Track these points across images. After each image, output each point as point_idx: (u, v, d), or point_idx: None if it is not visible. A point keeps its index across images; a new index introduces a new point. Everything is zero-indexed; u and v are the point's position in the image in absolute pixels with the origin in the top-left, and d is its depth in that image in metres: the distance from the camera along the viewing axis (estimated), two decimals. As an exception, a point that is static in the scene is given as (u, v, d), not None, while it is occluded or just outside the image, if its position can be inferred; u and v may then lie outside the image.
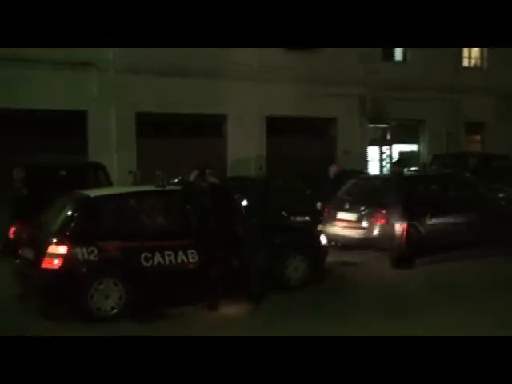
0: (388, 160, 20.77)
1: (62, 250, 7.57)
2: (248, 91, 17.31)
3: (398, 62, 20.88)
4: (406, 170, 12.60)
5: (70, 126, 15.45)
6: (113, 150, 15.75)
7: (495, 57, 21.96)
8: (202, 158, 15.54)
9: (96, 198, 8.17)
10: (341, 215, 11.92)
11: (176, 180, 9.08)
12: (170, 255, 8.06)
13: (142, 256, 7.88)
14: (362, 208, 11.64)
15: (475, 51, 22.78)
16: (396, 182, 11.16)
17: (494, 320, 7.30)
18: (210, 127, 17.46)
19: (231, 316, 7.94)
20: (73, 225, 7.81)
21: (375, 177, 13.94)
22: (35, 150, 13.23)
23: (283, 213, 12.39)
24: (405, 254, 10.53)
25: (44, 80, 14.52)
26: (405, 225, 10.43)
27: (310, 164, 17.07)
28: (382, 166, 20.79)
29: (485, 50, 22.64)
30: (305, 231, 10.01)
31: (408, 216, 10.49)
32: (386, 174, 13.13)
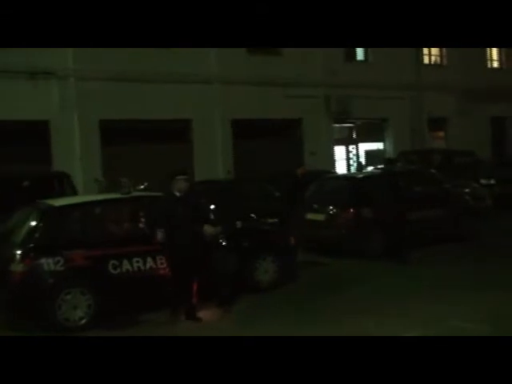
0: (355, 159, 20.94)
1: (27, 261, 7.44)
2: (211, 95, 17.32)
3: (360, 61, 21.08)
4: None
5: (33, 135, 15.17)
6: (77, 159, 15.53)
7: (454, 53, 22.32)
8: (167, 165, 15.55)
9: (60, 207, 8.03)
10: (309, 216, 11.95)
11: (142, 186, 8.97)
12: (138, 262, 7.99)
13: (110, 264, 7.80)
14: (331, 208, 11.69)
15: (435, 48, 23.13)
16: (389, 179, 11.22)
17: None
18: (175, 132, 17.34)
19: (203, 320, 7.87)
20: (37, 235, 7.67)
21: (342, 176, 14.02)
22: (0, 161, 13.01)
23: (252, 215, 12.38)
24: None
25: (4, 90, 14.26)
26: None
27: (278, 166, 17.11)
28: (348, 165, 20.95)
29: (444, 46, 23.02)
30: (273, 233, 9.96)
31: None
32: (375, 172, 13.39)
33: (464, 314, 7.37)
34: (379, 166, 13.69)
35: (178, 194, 7.92)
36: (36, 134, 15.23)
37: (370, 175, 12.17)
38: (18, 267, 7.45)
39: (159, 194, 9.06)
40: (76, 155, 15.57)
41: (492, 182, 16.84)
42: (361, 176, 12.74)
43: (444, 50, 23.10)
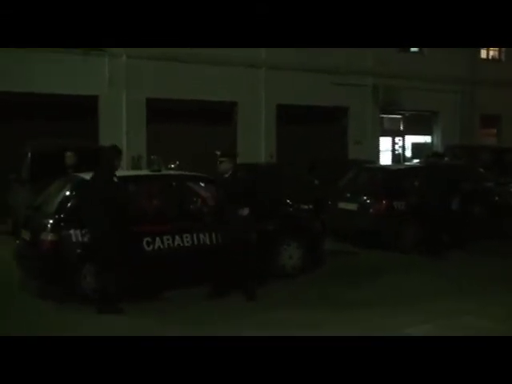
0: (400, 151, 20.70)
1: (56, 231, 7.73)
2: (258, 79, 17.41)
3: (414, 52, 20.69)
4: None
5: (83, 110, 15.61)
6: (123, 134, 15.92)
7: (514, 49, 21.68)
8: (211, 146, 15.77)
9: (91, 181, 8.26)
10: (342, 205, 11.94)
11: (173, 165, 9.16)
12: (168, 239, 8.17)
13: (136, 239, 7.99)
14: (364, 198, 11.64)
15: (492, 42, 22.49)
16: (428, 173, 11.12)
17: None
18: (220, 114, 17.50)
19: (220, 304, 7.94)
20: (67, 207, 7.96)
21: (378, 167, 13.84)
22: (48, 134, 13.44)
23: (288, 201, 12.43)
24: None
25: (57, 64, 14.69)
26: None
27: (322, 153, 17.13)
28: (394, 157, 20.71)
29: (503, 41, 22.34)
30: (300, 219, 9.91)
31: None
32: (413, 165, 13.21)
33: (481, 312, 7.29)
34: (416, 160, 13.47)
35: (224, 175, 8.16)
36: (85, 109, 15.63)
37: (408, 167, 12.02)
38: (48, 236, 7.73)
39: (191, 173, 9.32)
40: (122, 131, 15.96)
41: (539, 182, 16.33)
42: (397, 168, 12.61)
43: (502, 44, 22.44)
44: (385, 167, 13.78)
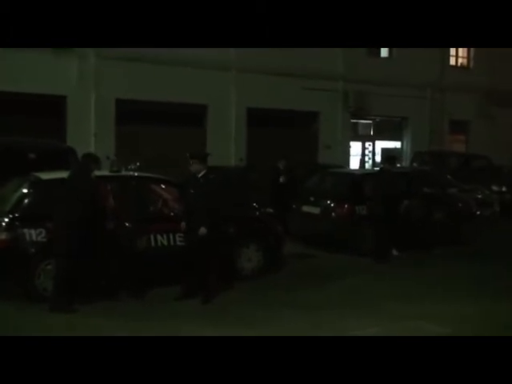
0: (370, 156, 20.90)
1: (11, 230, 7.71)
2: (228, 82, 17.45)
3: (384, 57, 20.91)
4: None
5: (50, 110, 15.52)
6: (91, 135, 15.86)
7: (482, 56, 22.02)
8: (180, 148, 15.75)
9: (47, 180, 8.26)
10: (305, 208, 12.03)
11: (133, 166, 9.15)
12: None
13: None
14: (328, 202, 11.73)
15: (462, 50, 22.87)
16: (386, 177, 11.15)
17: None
18: (191, 117, 17.51)
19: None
20: (22, 206, 7.93)
21: (342, 171, 13.89)
22: (14, 132, 13.32)
23: (254, 204, 12.49)
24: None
25: (26, 63, 14.57)
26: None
27: (292, 157, 17.15)
28: (364, 162, 20.90)
29: (472, 48, 22.72)
30: (261, 221, 9.90)
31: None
32: (373, 170, 13.35)
33: (430, 316, 7.39)
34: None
35: (197, 175, 8.19)
36: (53, 109, 15.57)
37: (370, 173, 12.13)
38: (1, 235, 7.71)
39: (152, 174, 9.33)
40: (90, 132, 15.91)
41: (503, 189, 16.66)
42: (360, 173, 12.73)
43: (472, 52, 22.82)
44: (348, 172, 13.89)
